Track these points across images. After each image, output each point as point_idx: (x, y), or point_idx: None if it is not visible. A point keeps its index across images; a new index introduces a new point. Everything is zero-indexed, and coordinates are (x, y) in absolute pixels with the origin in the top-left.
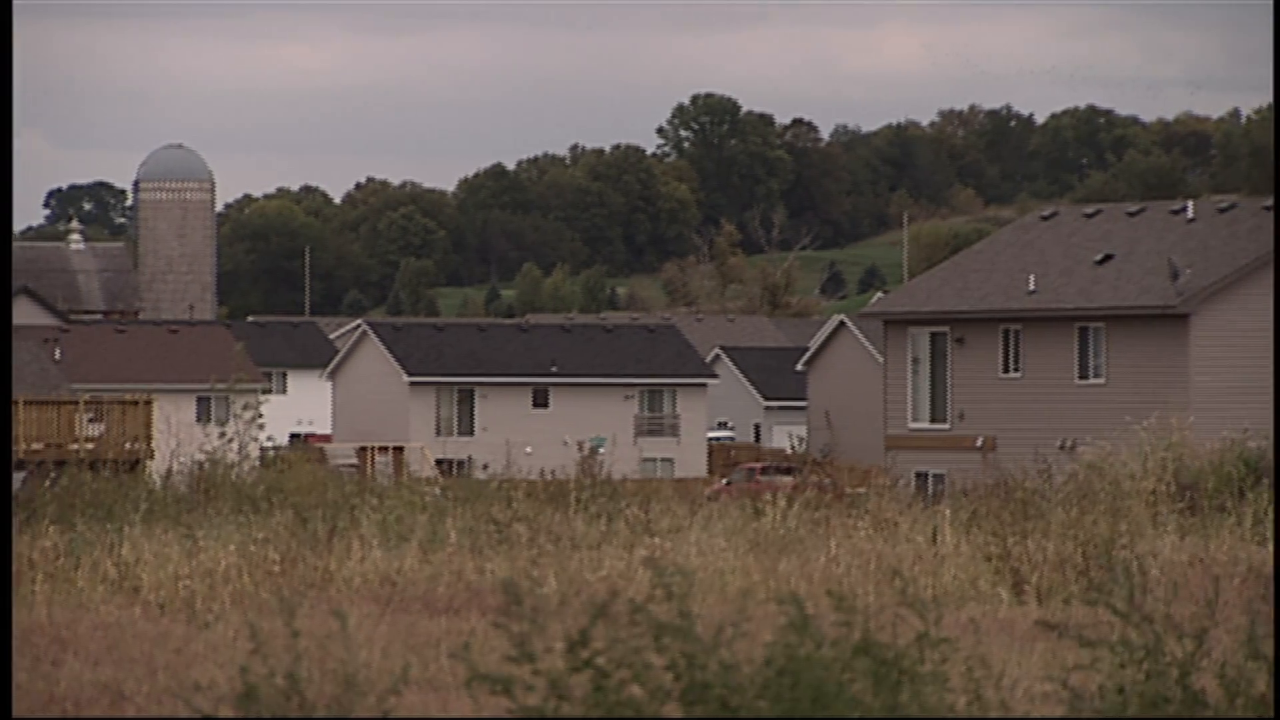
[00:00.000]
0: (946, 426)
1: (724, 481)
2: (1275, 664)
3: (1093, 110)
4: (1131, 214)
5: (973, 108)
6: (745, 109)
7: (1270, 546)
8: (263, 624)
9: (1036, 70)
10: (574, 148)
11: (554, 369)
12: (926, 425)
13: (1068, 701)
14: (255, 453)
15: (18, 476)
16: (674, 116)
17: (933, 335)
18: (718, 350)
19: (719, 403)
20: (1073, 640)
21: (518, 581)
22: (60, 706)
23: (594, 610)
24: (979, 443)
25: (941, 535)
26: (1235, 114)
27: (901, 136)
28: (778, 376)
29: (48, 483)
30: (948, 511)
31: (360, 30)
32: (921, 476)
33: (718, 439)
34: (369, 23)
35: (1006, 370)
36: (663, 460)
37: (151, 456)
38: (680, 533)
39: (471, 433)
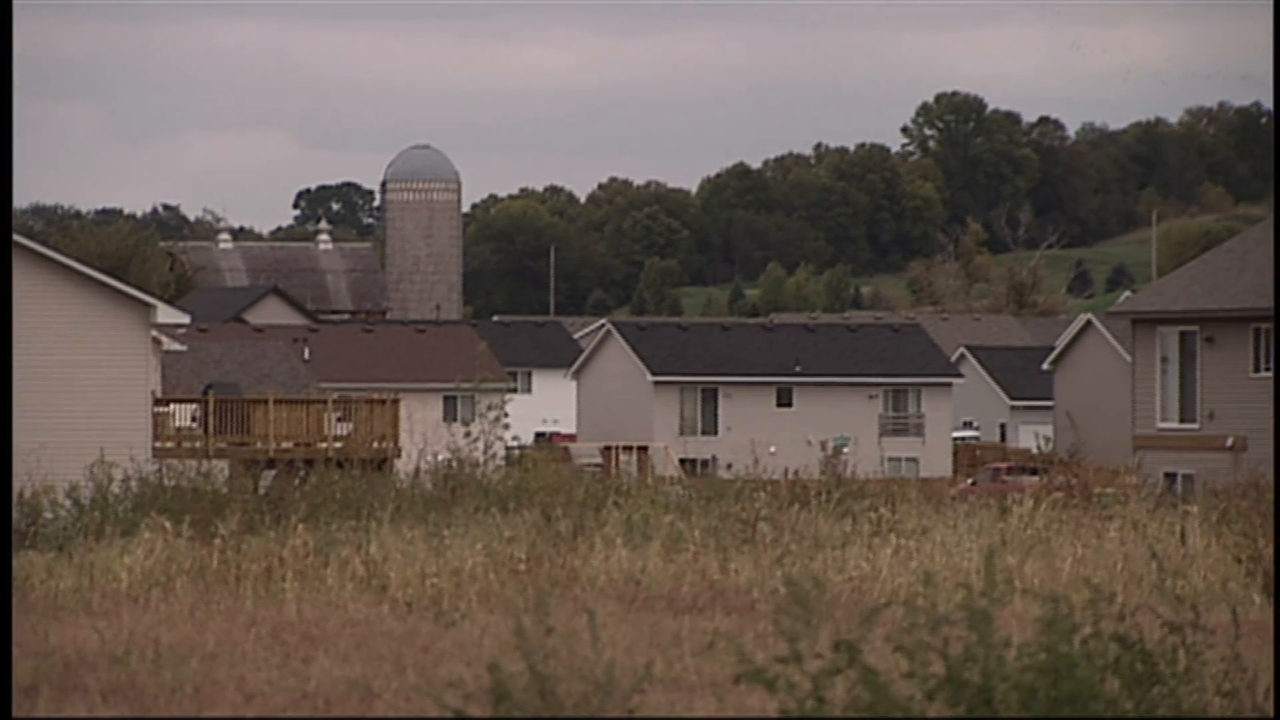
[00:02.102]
0: (1196, 426)
1: (969, 481)
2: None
3: None
4: None
5: (1221, 105)
6: (991, 107)
7: None
8: (510, 622)
9: None
10: (818, 147)
11: (798, 368)
12: (1175, 425)
13: None
14: (501, 452)
15: (267, 475)
16: (918, 115)
17: (1182, 334)
18: (963, 349)
19: (964, 402)
20: None
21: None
22: (311, 704)
23: (866, 612)
24: (1229, 443)
25: (1191, 536)
26: None
27: (1150, 134)
28: (1024, 376)
29: (296, 481)
30: (1197, 512)
31: (603, 31)
32: (1170, 477)
33: (963, 439)
34: (612, 23)
35: (1257, 370)
36: (907, 460)
37: (398, 455)
38: (926, 533)
39: (715, 432)
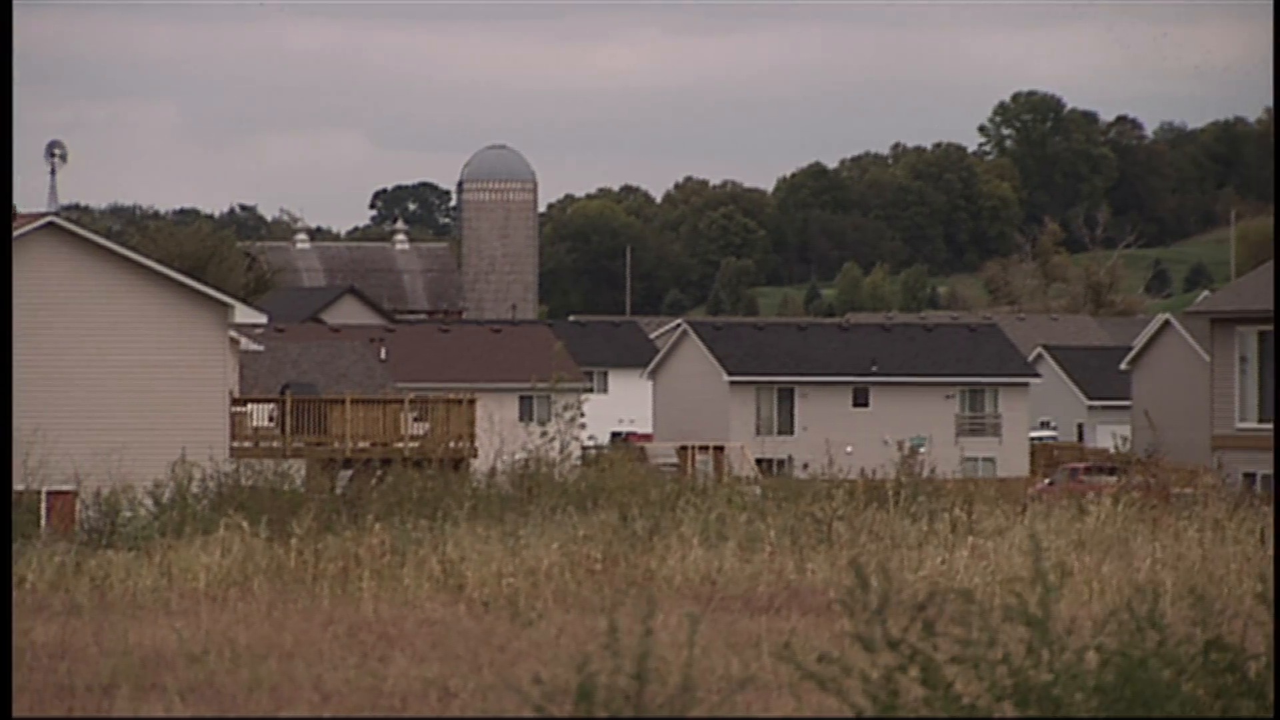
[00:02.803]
0: (1274, 426)
1: (1046, 481)
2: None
3: None
4: None
5: None
6: (1068, 106)
7: None
8: (585, 622)
9: None
10: (895, 146)
11: (874, 368)
12: (1254, 425)
13: None
14: (577, 452)
15: (344, 474)
16: (996, 114)
17: (1260, 334)
18: (1040, 349)
19: (1041, 402)
20: None
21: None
22: (387, 703)
23: (915, 605)
24: None
25: (1270, 537)
26: None
27: (1228, 133)
28: (1101, 376)
29: (373, 481)
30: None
31: (677, 30)
32: (1249, 477)
33: (1040, 439)
34: (687, 23)
35: None
36: (984, 460)
37: (474, 455)
38: (1003, 533)
39: (791, 432)
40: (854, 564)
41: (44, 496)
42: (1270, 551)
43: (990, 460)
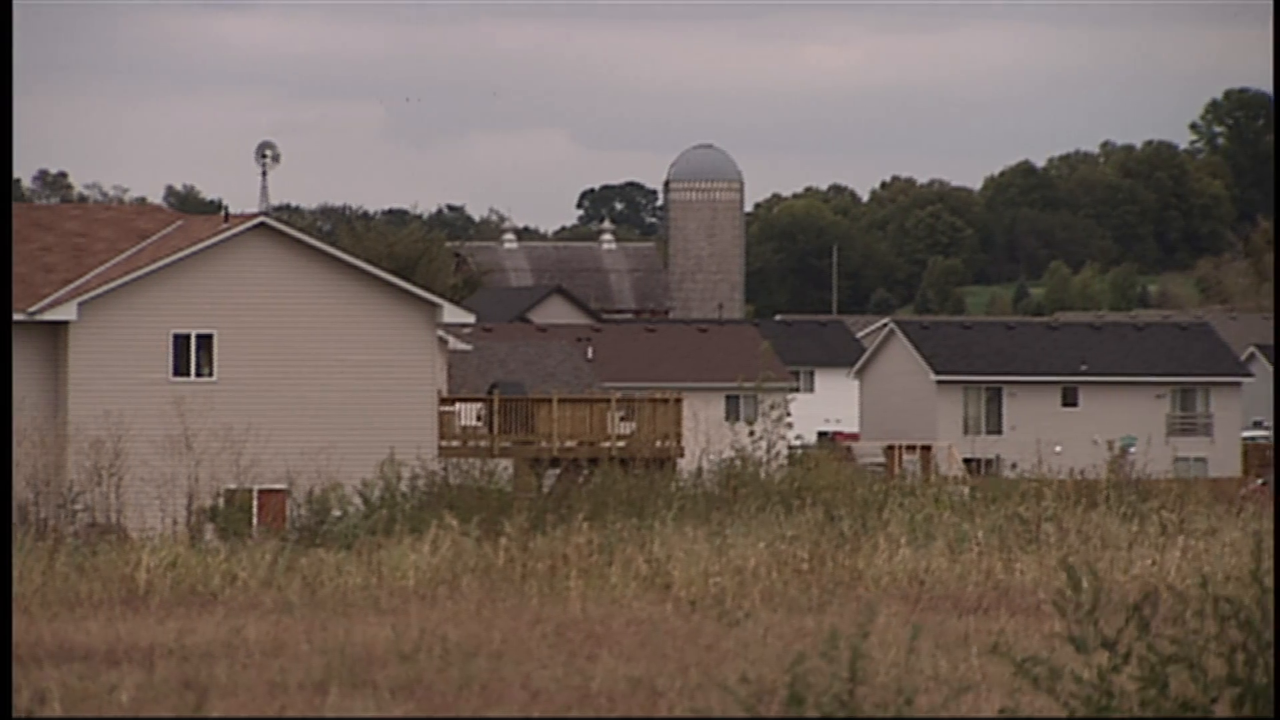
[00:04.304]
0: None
1: (1259, 481)
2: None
3: None
4: None
5: None
6: None
7: None
8: (792, 622)
9: None
10: (1104, 144)
11: (1083, 367)
12: None
13: None
14: (783, 451)
15: (551, 473)
16: (1207, 112)
17: None
18: (1253, 348)
19: (1255, 402)
20: None
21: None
22: (595, 702)
23: (1129, 605)
24: None
25: None
26: None
27: None
28: None
29: (580, 480)
30: None
31: (884, 29)
32: None
33: (1253, 438)
34: (893, 21)
35: None
36: (1195, 460)
37: (681, 454)
38: (1214, 534)
39: (999, 431)
40: (1064, 564)
41: (255, 495)
42: None
43: (1201, 460)
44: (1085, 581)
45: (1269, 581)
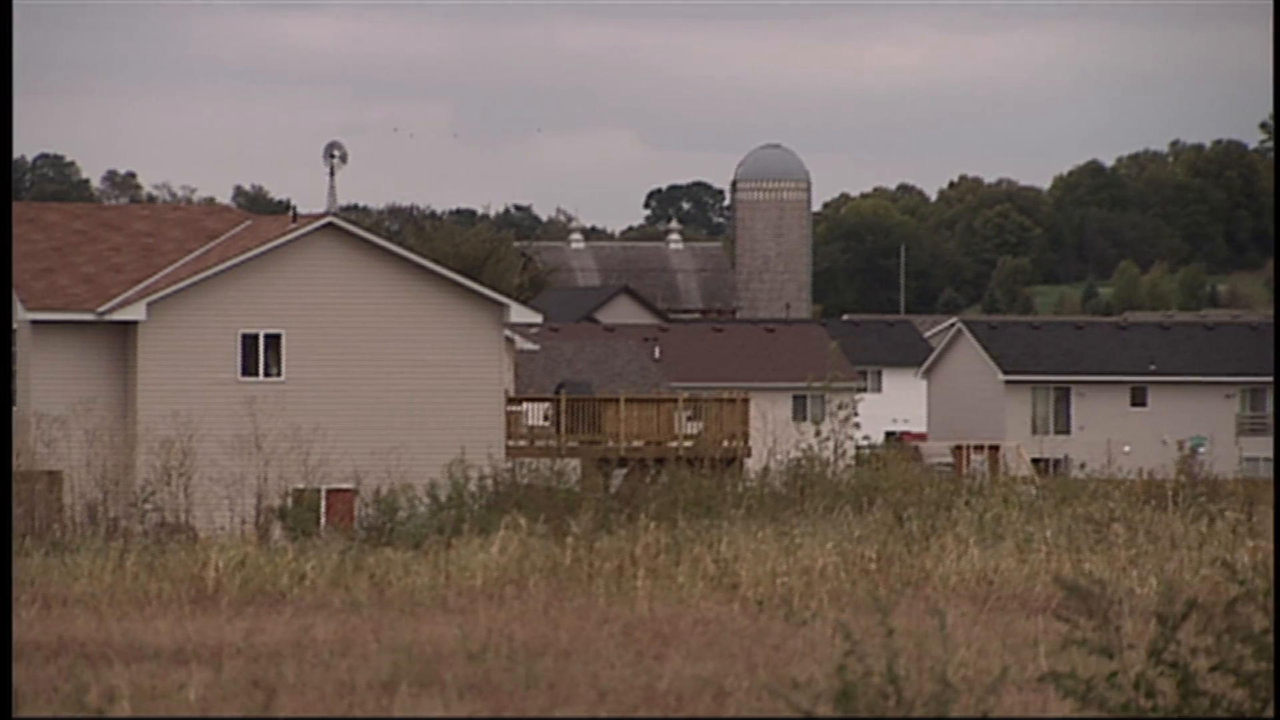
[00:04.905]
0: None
1: None
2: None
3: None
4: None
5: None
6: None
7: None
8: (859, 622)
9: None
10: (1174, 144)
11: (1152, 367)
12: None
13: None
14: (851, 451)
15: (618, 473)
16: (1277, 111)
17: None
18: None
19: None
20: None
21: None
22: (662, 702)
23: (1182, 609)
24: None
25: None
26: None
27: None
28: None
29: (647, 479)
30: None
31: (949, 28)
32: None
33: None
34: (958, 21)
35: None
36: (1265, 460)
37: (748, 454)
38: None
39: (1068, 431)
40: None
41: (323, 494)
42: None
43: (1270, 460)
44: (1153, 581)
45: None
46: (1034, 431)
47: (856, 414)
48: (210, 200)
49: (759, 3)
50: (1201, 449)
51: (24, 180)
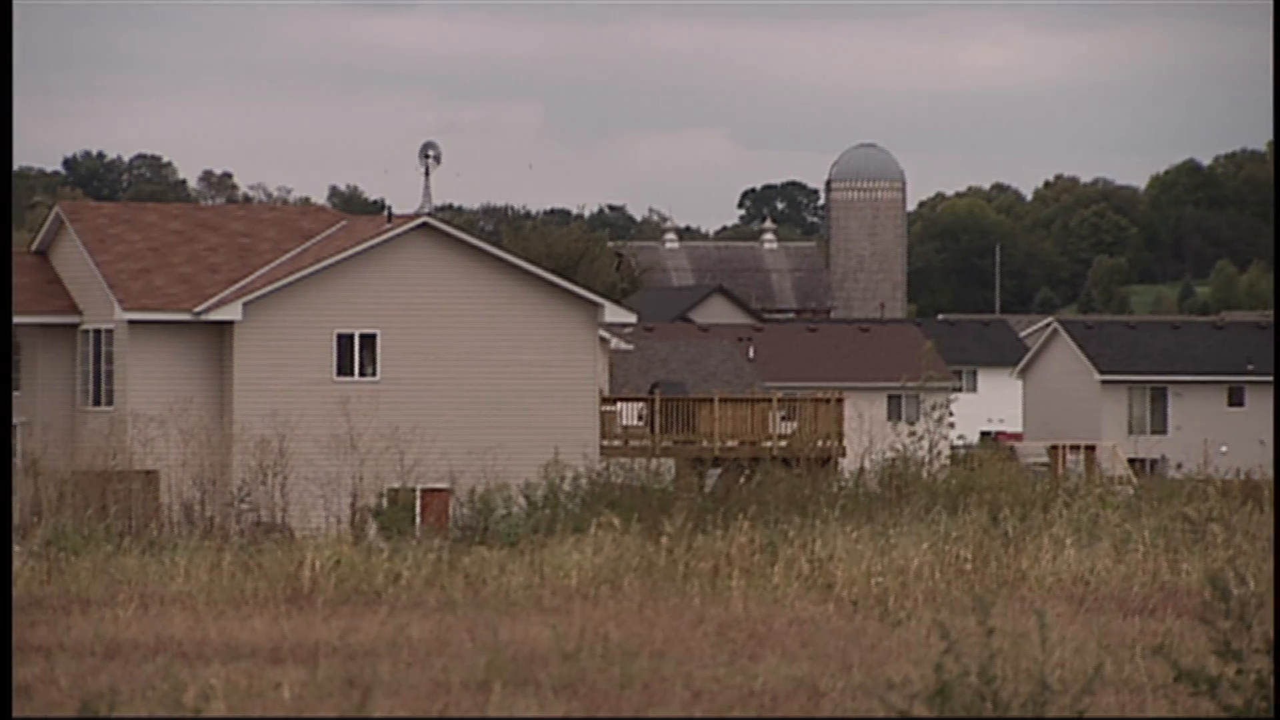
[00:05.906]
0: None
1: None
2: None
3: None
4: None
5: None
6: None
7: None
8: (955, 622)
9: None
10: (1270, 142)
11: (1250, 367)
12: None
13: None
14: (946, 451)
15: (712, 473)
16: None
17: None
18: None
19: None
20: None
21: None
22: (757, 702)
23: None
24: None
25: None
26: None
27: None
28: None
29: (742, 479)
30: None
31: (1044, 27)
32: None
33: None
34: (1053, 20)
35: None
36: None
37: (843, 454)
38: None
39: (1164, 431)
40: (1209, 574)
41: (418, 494)
42: None
43: None
44: (1247, 585)
45: None
46: (1130, 431)
47: (951, 414)
48: (306, 200)
49: (852, 2)
50: None
51: (121, 181)
